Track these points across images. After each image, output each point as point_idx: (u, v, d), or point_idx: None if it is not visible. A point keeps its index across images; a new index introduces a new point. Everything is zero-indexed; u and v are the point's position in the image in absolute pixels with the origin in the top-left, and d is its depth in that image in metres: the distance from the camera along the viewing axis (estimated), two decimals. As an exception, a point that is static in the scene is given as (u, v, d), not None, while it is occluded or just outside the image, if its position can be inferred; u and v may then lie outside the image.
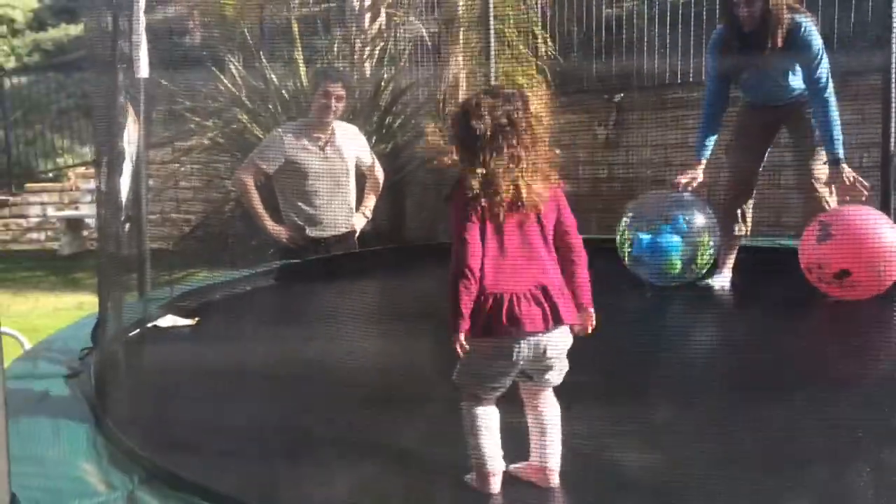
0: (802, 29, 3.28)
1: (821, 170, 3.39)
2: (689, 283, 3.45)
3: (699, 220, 3.44)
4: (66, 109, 10.27)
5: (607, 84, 7.04)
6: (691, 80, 6.43)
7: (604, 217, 6.65)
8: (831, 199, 3.42)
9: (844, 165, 3.28)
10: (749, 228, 3.63)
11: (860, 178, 3.28)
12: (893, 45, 3.80)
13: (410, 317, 2.80)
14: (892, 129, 3.84)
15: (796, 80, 3.41)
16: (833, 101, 3.28)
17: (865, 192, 3.29)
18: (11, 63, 11.60)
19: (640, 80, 6.83)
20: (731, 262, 3.59)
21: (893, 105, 3.84)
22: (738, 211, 3.58)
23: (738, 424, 2.05)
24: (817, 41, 3.29)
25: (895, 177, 3.83)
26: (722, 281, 3.55)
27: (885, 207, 3.57)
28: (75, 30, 11.89)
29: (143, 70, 3.20)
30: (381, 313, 3.04)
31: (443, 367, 2.13)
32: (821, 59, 3.27)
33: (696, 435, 2.03)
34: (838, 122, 3.27)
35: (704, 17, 6.31)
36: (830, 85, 3.28)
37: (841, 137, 3.27)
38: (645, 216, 3.56)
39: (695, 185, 3.48)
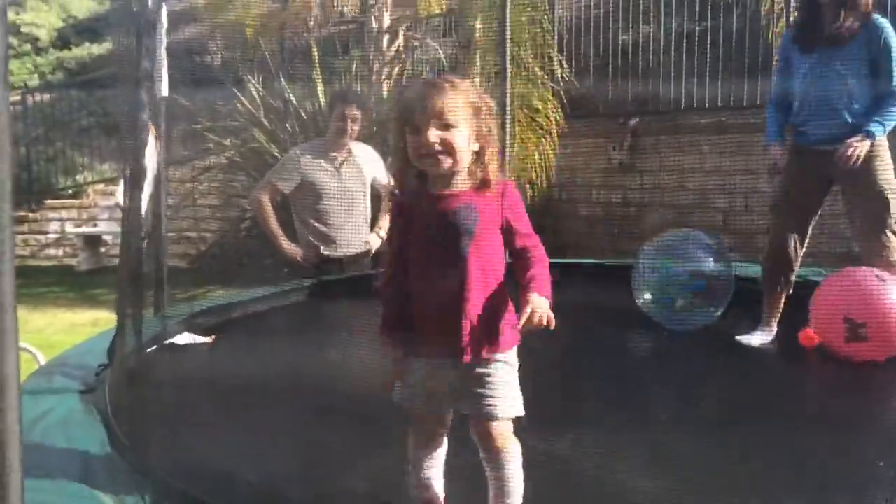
0: (882, 30, 3.07)
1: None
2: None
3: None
4: (86, 127, 10.40)
5: (622, 108, 7.06)
6: (706, 105, 6.44)
7: (618, 241, 6.66)
8: None
9: (867, 141, 3.09)
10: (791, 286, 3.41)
11: (861, 156, 3.10)
12: None
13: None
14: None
15: (861, 105, 3.14)
16: None
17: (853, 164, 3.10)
18: (35, 81, 11.77)
19: (655, 104, 6.84)
20: (776, 317, 3.41)
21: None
22: (782, 272, 3.37)
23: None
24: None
25: None
26: (764, 337, 3.38)
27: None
28: (98, 49, 12.06)
29: (164, 89, 3.25)
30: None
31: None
32: None
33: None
34: (893, 117, 3.10)
35: (721, 44, 6.34)
36: None
37: (886, 126, 3.11)
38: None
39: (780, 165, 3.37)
